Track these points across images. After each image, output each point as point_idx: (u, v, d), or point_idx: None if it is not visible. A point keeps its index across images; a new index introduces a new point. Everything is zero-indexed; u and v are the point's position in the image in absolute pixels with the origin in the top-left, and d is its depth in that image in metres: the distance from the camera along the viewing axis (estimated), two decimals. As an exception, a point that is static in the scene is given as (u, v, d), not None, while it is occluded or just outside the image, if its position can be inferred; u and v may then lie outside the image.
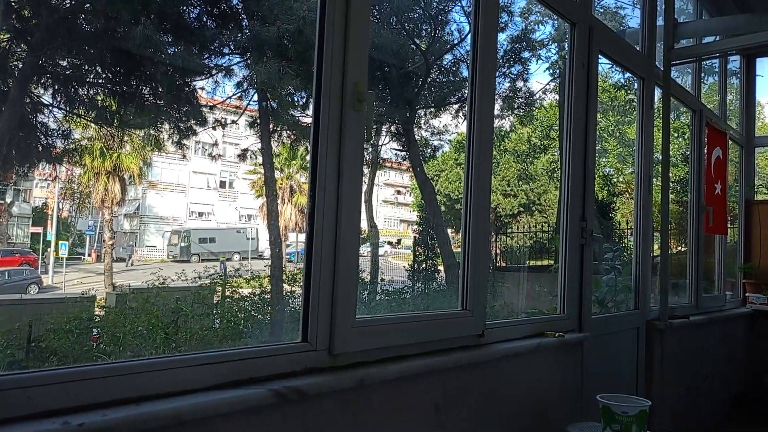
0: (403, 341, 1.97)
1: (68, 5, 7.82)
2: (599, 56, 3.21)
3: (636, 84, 3.96)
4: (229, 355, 1.51)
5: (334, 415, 1.68)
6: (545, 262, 13.43)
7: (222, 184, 18.52)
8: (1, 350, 6.88)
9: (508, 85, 13.44)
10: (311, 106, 1.80)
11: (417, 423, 1.97)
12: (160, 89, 8.59)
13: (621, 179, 19.72)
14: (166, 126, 9.82)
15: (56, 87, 8.20)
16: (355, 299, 1.76)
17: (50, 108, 8.58)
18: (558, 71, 16.08)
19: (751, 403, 4.99)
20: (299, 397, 1.54)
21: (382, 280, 12.91)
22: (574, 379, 2.84)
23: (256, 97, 10.40)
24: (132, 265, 16.13)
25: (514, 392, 2.45)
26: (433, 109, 13.35)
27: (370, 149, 12.71)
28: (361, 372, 1.74)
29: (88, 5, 7.89)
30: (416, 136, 13.26)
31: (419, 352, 2.02)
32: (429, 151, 14.71)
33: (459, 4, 12.33)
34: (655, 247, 4.25)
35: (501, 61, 12.75)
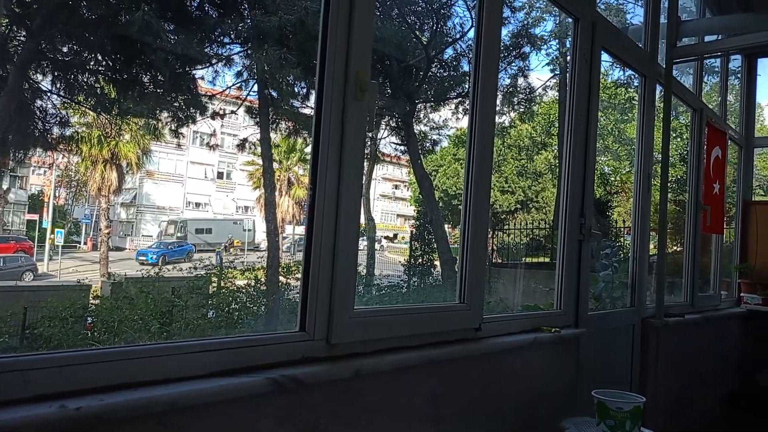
0: (401, 333, 1.97)
1: (68, -10, 7.76)
2: (601, 53, 3.20)
3: (636, 82, 3.95)
4: (227, 343, 1.51)
5: (330, 404, 1.68)
6: (542, 259, 13.45)
7: (219, 175, 18.45)
8: (-5, 336, 6.87)
9: (508, 81, 13.43)
10: (313, 95, 1.79)
11: (412, 414, 1.97)
12: (160, 77, 8.55)
13: (618, 178, 19.75)
14: (165, 114, 9.78)
15: (55, 73, 8.15)
16: (354, 290, 1.76)
17: (49, 94, 8.53)
18: (558, 68, 16.06)
19: (745, 402, 5.02)
20: (296, 385, 1.54)
21: (377, 275, 12.92)
22: (569, 374, 2.84)
23: (255, 88, 10.36)
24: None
25: (510, 386, 2.46)
26: (432, 103, 13.33)
27: (369, 142, 12.70)
28: (358, 362, 1.74)
29: (88, -10, 7.84)
30: (415, 130, 13.24)
31: (416, 344, 2.02)
32: (428, 145, 14.70)
33: (462, -3, 12.29)
34: (652, 246, 4.26)
35: (501, 56, 12.71)
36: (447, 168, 20.93)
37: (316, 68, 1.71)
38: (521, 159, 21.77)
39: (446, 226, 16.21)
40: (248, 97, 10.83)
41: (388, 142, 14.06)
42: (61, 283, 11.36)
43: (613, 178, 19.96)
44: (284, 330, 1.69)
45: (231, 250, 14.77)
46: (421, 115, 13.55)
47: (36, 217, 14.58)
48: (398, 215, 25.68)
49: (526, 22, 14.20)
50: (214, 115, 10.78)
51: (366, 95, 1.74)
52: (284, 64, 8.43)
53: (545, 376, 2.69)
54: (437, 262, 13.21)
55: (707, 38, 4.78)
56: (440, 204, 18.13)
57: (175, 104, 9.44)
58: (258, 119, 10.79)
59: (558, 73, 16.25)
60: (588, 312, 3.06)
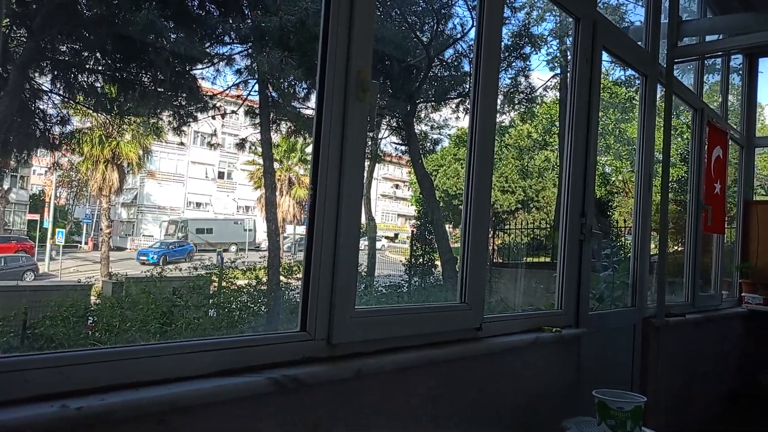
0: (402, 333, 1.96)
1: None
2: (602, 52, 3.20)
3: (638, 81, 3.95)
4: (228, 342, 1.51)
5: (330, 404, 1.67)
6: (542, 259, 13.45)
7: (220, 175, 18.45)
8: (-4, 336, 6.87)
9: (509, 81, 13.43)
10: (314, 94, 1.79)
11: (412, 414, 1.97)
12: (161, 76, 8.54)
13: (619, 177, 19.73)
14: (166, 114, 9.77)
15: (56, 73, 8.14)
16: (355, 289, 1.75)
17: (49, 94, 8.52)
18: (559, 67, 16.06)
19: (746, 401, 5.02)
20: (297, 385, 1.54)
21: (378, 275, 12.91)
22: (570, 374, 2.84)
23: (256, 88, 10.35)
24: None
25: (511, 386, 2.46)
26: (433, 103, 13.33)
27: (370, 142, 12.69)
28: (359, 362, 1.74)
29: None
30: (416, 130, 13.24)
31: (417, 344, 2.01)
32: (428, 145, 14.70)
33: (463, -3, 12.29)
34: (653, 246, 4.25)
35: (502, 56, 12.70)
36: (447, 168, 20.93)
37: (317, 68, 1.71)
38: (522, 158, 21.77)
39: (447, 225, 16.20)
40: (249, 97, 10.83)
41: (388, 142, 14.08)
42: (62, 282, 11.35)
43: (614, 178, 19.95)
44: (285, 330, 1.69)
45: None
46: (422, 115, 13.57)
47: (37, 217, 14.58)
48: (399, 215, 25.68)
49: (526, 21, 14.20)
50: (215, 115, 10.77)
51: (367, 95, 1.74)
52: (285, 64, 8.43)
53: (546, 376, 2.68)
54: (438, 262, 13.21)
55: (708, 38, 4.77)
56: (441, 204, 18.13)
57: (176, 103, 9.44)
58: (259, 119, 10.79)
59: (559, 72, 16.26)
60: (589, 312, 3.06)
